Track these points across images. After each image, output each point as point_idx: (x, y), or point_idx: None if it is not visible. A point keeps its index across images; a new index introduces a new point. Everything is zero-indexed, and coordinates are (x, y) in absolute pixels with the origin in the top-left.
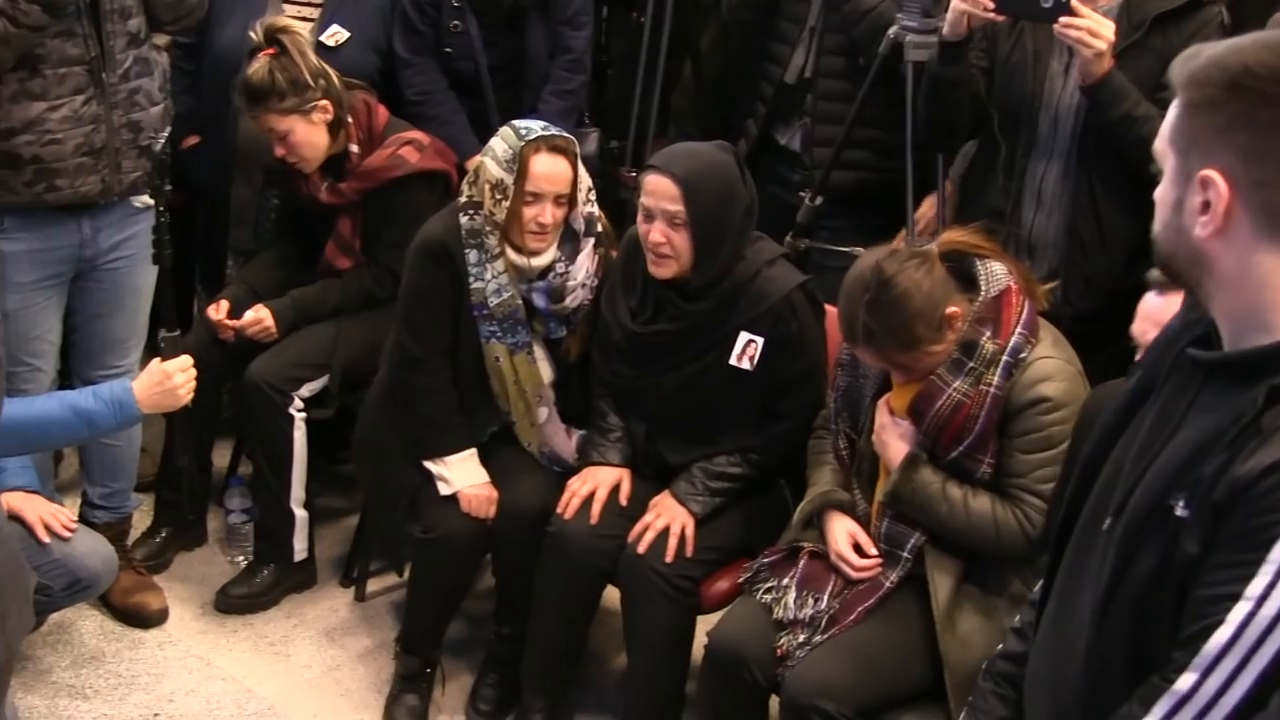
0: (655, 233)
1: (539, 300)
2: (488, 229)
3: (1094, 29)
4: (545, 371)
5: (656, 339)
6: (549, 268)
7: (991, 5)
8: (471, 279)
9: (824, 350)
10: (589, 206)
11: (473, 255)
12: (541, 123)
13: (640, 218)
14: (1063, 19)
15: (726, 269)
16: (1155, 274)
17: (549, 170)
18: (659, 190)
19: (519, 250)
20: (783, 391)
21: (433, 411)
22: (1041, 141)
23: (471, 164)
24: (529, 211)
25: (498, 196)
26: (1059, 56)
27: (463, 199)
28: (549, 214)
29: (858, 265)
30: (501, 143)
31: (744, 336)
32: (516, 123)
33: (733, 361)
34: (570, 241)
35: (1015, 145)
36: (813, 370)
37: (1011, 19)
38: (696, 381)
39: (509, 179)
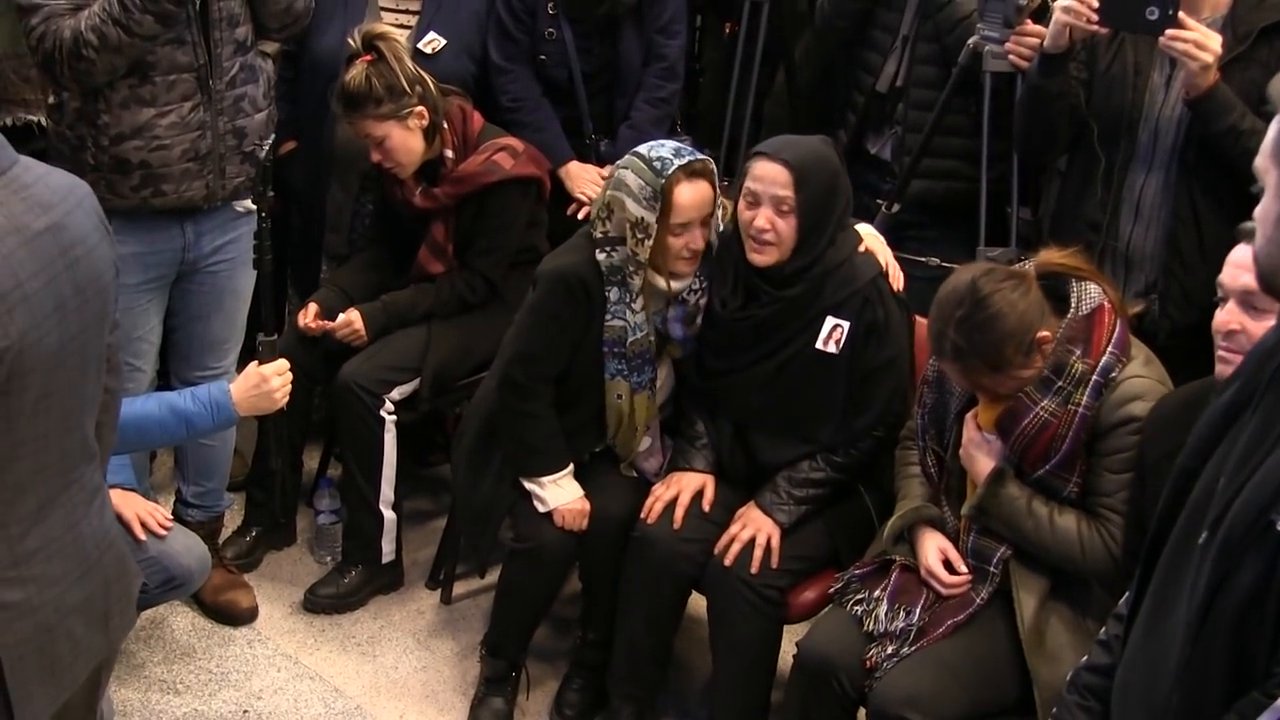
0: (760, 218)
1: (676, 330)
2: (631, 268)
3: (1200, 41)
4: (666, 389)
5: (746, 324)
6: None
7: (1095, 17)
8: (610, 316)
9: (909, 340)
10: (717, 217)
11: (614, 293)
12: (670, 146)
13: (743, 205)
14: (1169, 31)
15: (819, 255)
16: (1249, 225)
17: (694, 198)
18: (769, 176)
19: (663, 274)
20: (867, 379)
21: (532, 436)
22: (1141, 153)
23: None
24: (679, 241)
25: (640, 235)
26: (1160, 68)
27: (597, 234)
28: (699, 238)
29: (952, 280)
30: (636, 178)
31: (830, 320)
32: (645, 152)
33: (819, 345)
34: (705, 261)
35: (1114, 157)
36: (897, 358)
37: (1113, 31)
38: (784, 368)
39: (651, 217)
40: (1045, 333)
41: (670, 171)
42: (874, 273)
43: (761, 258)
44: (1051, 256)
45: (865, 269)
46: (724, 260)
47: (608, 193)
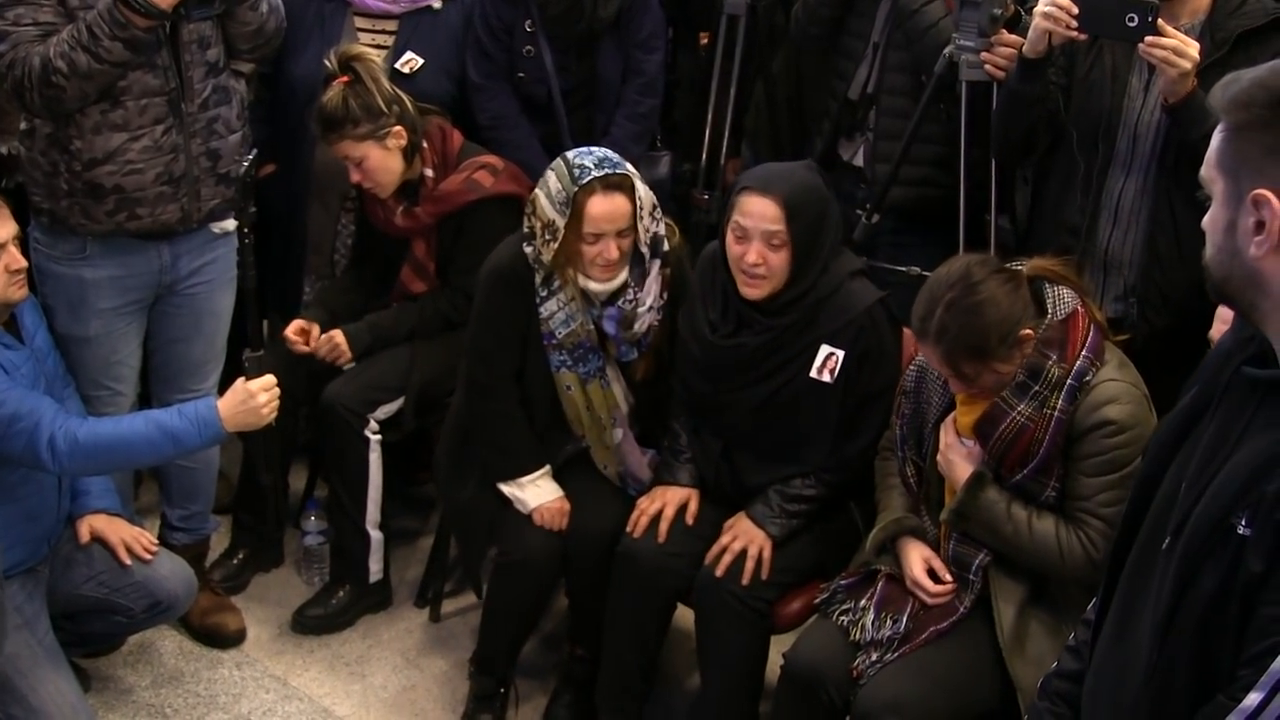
0: (752, 254)
1: (609, 326)
2: (536, 267)
3: (1179, 48)
4: (619, 392)
5: (737, 352)
6: (619, 293)
7: (1075, 23)
8: (541, 310)
9: (900, 365)
10: (655, 226)
11: (541, 286)
12: (596, 155)
13: (732, 239)
14: (1148, 38)
15: (813, 284)
16: None
17: (606, 211)
18: (759, 211)
19: (576, 276)
20: (861, 406)
21: (503, 437)
22: (1119, 158)
23: None
24: (592, 250)
25: (547, 237)
26: (1138, 74)
27: (525, 228)
28: (613, 249)
29: (948, 264)
30: (556, 181)
31: (825, 349)
32: (571, 157)
33: (813, 374)
34: (639, 265)
35: (1093, 162)
36: (891, 384)
37: (1092, 36)
38: (776, 395)
39: (560, 221)
40: (1028, 331)
41: (586, 181)
42: (870, 300)
43: (755, 291)
44: (1044, 263)
45: (861, 296)
46: (710, 284)
47: (536, 189)
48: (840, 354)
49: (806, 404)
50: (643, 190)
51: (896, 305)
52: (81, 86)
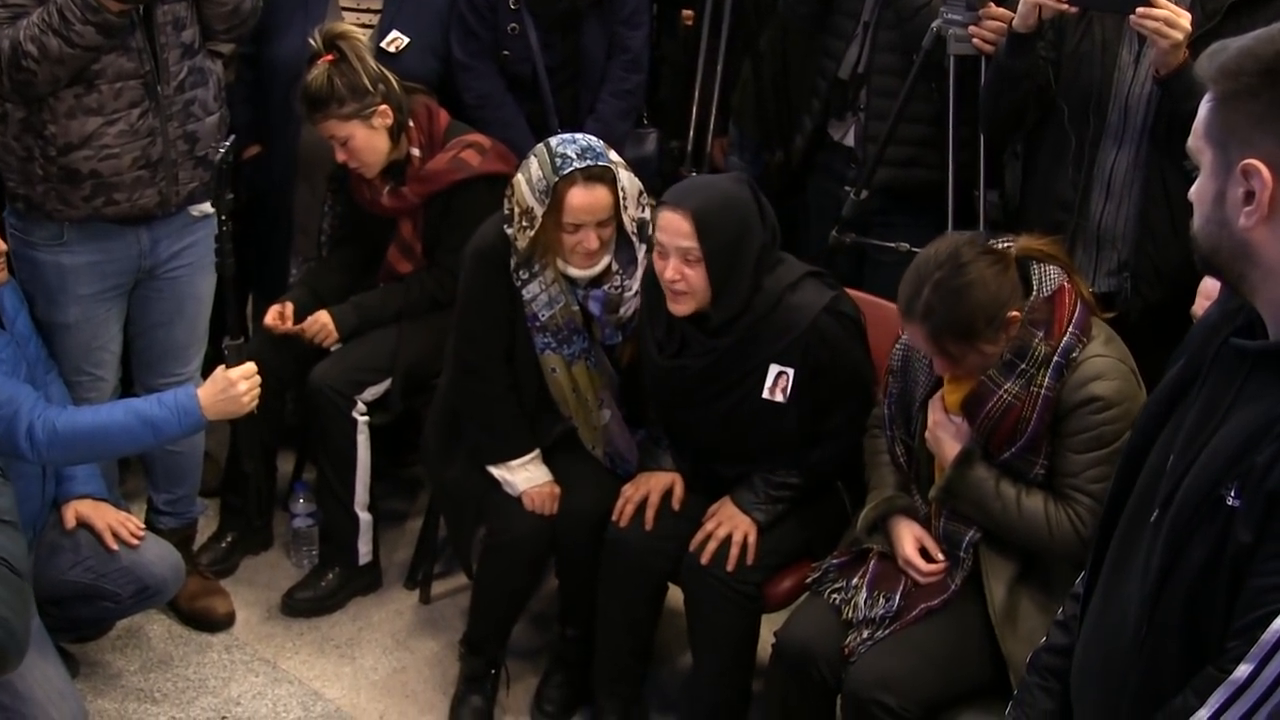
0: (670, 270)
1: (594, 307)
2: (513, 251)
3: (1170, 19)
4: (605, 374)
5: (682, 374)
6: (603, 276)
7: None
8: (524, 290)
9: (864, 359)
10: (641, 212)
11: (522, 269)
12: (579, 145)
13: (655, 254)
14: (1139, 9)
15: (746, 303)
16: None
17: (586, 203)
18: (671, 227)
19: (558, 261)
20: (827, 410)
21: (492, 419)
22: (1111, 131)
23: None
24: (572, 239)
25: (524, 224)
26: (1128, 46)
27: (505, 210)
28: (593, 239)
29: (935, 244)
30: (538, 169)
31: (774, 369)
32: (554, 145)
33: (765, 395)
34: (626, 249)
35: (1084, 136)
36: (856, 383)
37: (1082, 9)
38: (732, 415)
39: (538, 209)
40: (1015, 313)
41: (567, 172)
42: (813, 313)
43: (680, 307)
44: (1032, 243)
45: (804, 310)
46: (655, 302)
47: (517, 172)
48: (790, 372)
49: (764, 423)
50: (626, 180)
51: (886, 284)
52: (53, 71)
